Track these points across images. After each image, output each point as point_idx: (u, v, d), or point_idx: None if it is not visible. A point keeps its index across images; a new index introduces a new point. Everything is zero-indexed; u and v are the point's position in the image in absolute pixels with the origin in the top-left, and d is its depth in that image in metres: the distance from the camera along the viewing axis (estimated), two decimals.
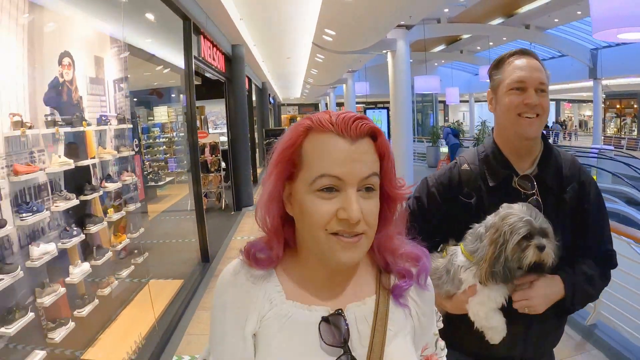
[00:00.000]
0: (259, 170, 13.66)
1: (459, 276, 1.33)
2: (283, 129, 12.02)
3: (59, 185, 3.18)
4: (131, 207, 4.12)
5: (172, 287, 4.70)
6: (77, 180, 3.39)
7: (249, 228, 7.73)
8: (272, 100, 25.46)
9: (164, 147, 10.39)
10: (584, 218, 1.42)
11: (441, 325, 1.13)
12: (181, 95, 12.03)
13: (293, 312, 0.83)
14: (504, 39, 17.69)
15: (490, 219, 1.30)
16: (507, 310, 1.32)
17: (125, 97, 4.43)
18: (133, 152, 4.35)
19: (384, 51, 9.56)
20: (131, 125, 4.38)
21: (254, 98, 15.26)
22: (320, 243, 0.79)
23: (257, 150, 14.89)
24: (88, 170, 3.58)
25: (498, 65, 1.44)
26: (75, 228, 3.20)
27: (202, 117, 11.81)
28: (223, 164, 9.22)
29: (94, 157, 3.60)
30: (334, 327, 0.82)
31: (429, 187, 1.51)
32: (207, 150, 9.00)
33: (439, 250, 1.46)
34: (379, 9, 6.87)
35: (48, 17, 3.15)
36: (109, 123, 3.86)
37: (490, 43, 18.32)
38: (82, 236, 3.25)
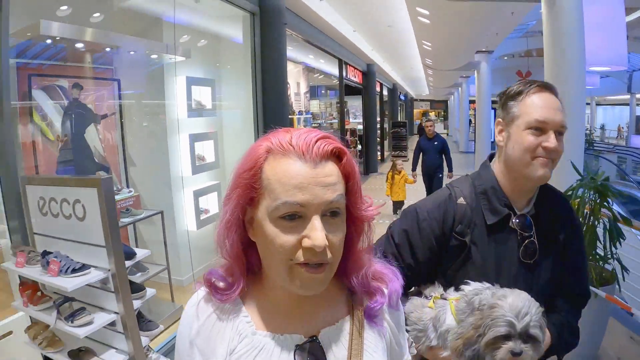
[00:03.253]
0: (385, 151, 17.85)
1: (446, 342, 1.21)
2: (405, 122, 16.68)
3: None
4: None
5: None
6: None
7: (372, 183, 12.00)
8: (403, 97, 28.81)
9: None
10: (573, 258, 1.37)
11: (414, 351, 1.13)
12: (328, 92, 16.21)
13: (264, 342, 0.77)
14: None
15: (487, 296, 1.16)
16: None
17: (307, 100, 8.89)
18: None
19: (473, 70, 12.40)
20: (310, 115, 8.85)
21: (384, 95, 19.22)
22: (284, 273, 0.72)
23: (385, 136, 18.85)
24: None
25: (516, 96, 1.27)
26: None
27: (345, 109, 15.86)
28: (359, 147, 13.45)
29: None
30: (310, 354, 0.76)
31: (419, 221, 1.34)
32: (348, 133, 13.05)
33: (428, 297, 1.32)
34: (457, 47, 10.12)
35: None
36: (302, 114, 8.29)
37: None
38: None
